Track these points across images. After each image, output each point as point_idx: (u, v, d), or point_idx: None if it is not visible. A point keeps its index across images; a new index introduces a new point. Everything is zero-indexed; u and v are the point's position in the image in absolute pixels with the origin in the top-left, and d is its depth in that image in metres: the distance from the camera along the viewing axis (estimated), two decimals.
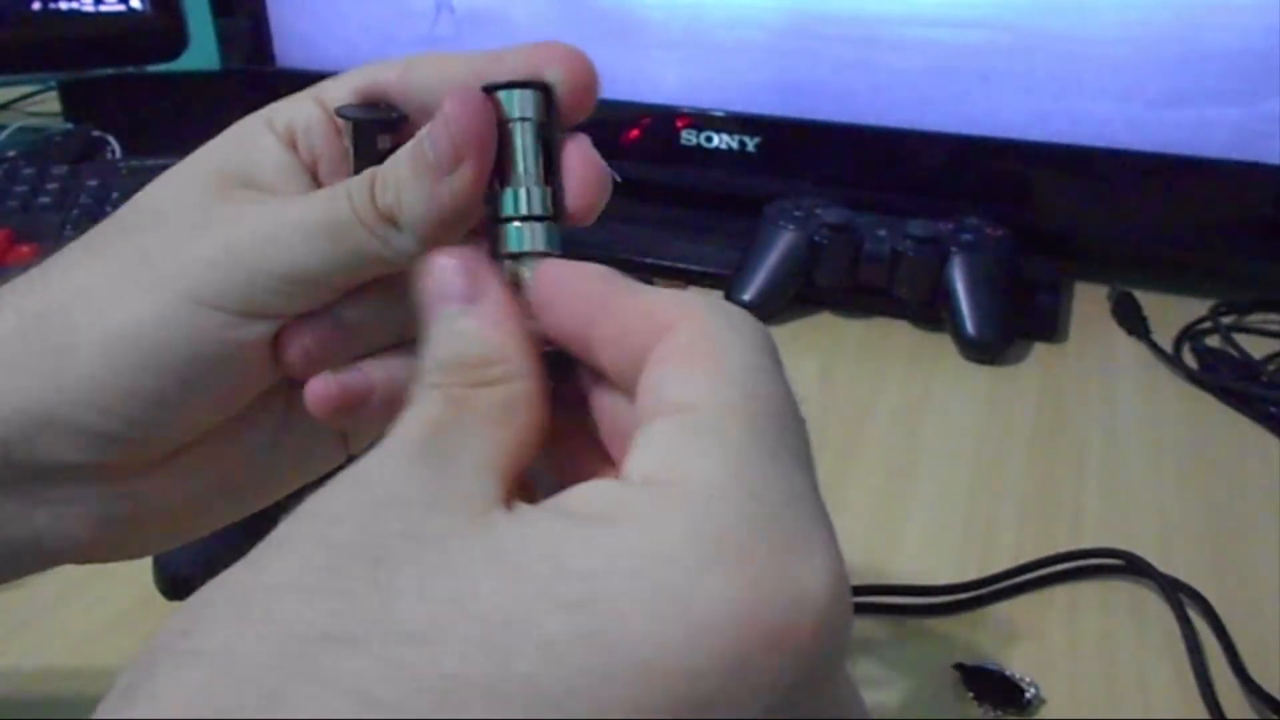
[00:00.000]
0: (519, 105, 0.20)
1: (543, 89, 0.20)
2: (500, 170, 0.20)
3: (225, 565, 0.42)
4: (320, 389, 0.24)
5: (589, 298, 0.19)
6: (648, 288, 0.19)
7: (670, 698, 0.14)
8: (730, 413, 0.17)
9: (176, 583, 0.38)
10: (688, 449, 0.16)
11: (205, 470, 0.26)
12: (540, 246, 0.20)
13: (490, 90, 0.20)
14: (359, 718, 0.13)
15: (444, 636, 0.14)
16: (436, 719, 0.13)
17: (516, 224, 0.20)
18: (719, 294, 0.61)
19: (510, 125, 0.20)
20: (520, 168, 0.20)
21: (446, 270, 0.19)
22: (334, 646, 0.14)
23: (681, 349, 0.18)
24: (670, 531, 0.15)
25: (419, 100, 0.25)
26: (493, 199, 0.21)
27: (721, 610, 0.14)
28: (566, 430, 0.21)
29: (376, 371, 0.25)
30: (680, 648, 0.14)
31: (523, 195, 0.20)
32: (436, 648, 0.14)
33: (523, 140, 0.20)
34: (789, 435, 0.18)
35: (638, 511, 0.15)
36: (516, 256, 0.20)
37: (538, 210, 0.20)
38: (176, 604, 0.38)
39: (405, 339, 0.25)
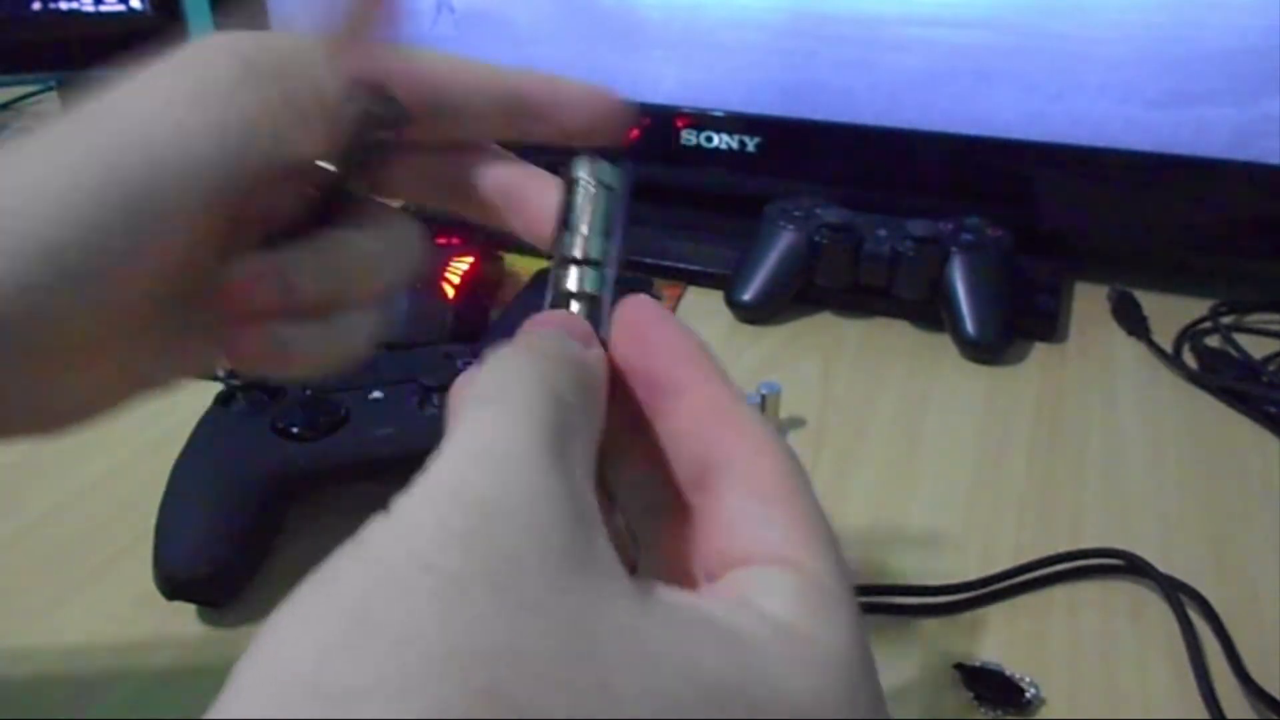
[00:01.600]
0: (610, 176, 0.21)
1: (629, 167, 0.21)
2: (567, 225, 0.21)
3: (226, 565, 0.42)
4: (246, 343, 0.25)
5: (687, 364, 0.21)
6: (737, 394, 0.21)
7: None
8: (839, 582, 0.19)
9: (175, 582, 0.38)
10: (820, 614, 0.18)
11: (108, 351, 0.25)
12: (591, 287, 0.21)
13: (589, 156, 0.21)
14: None
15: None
16: None
17: (574, 267, 0.21)
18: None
19: (596, 189, 0.21)
20: (595, 226, 0.21)
21: (575, 319, 0.21)
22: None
23: (774, 492, 0.20)
24: (828, 688, 0.17)
25: (423, 99, 0.25)
26: (561, 249, 0.22)
27: None
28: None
29: (298, 333, 0.25)
30: None
31: (580, 241, 0.21)
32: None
33: (608, 205, 0.21)
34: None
35: (799, 660, 0.17)
36: (576, 296, 0.21)
37: (596, 257, 0.21)
38: (176, 603, 0.39)
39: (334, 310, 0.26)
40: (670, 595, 0.17)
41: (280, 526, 0.42)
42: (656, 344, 0.21)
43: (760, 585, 0.18)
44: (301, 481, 0.42)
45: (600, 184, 0.21)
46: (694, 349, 0.21)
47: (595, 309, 0.20)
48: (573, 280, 0.20)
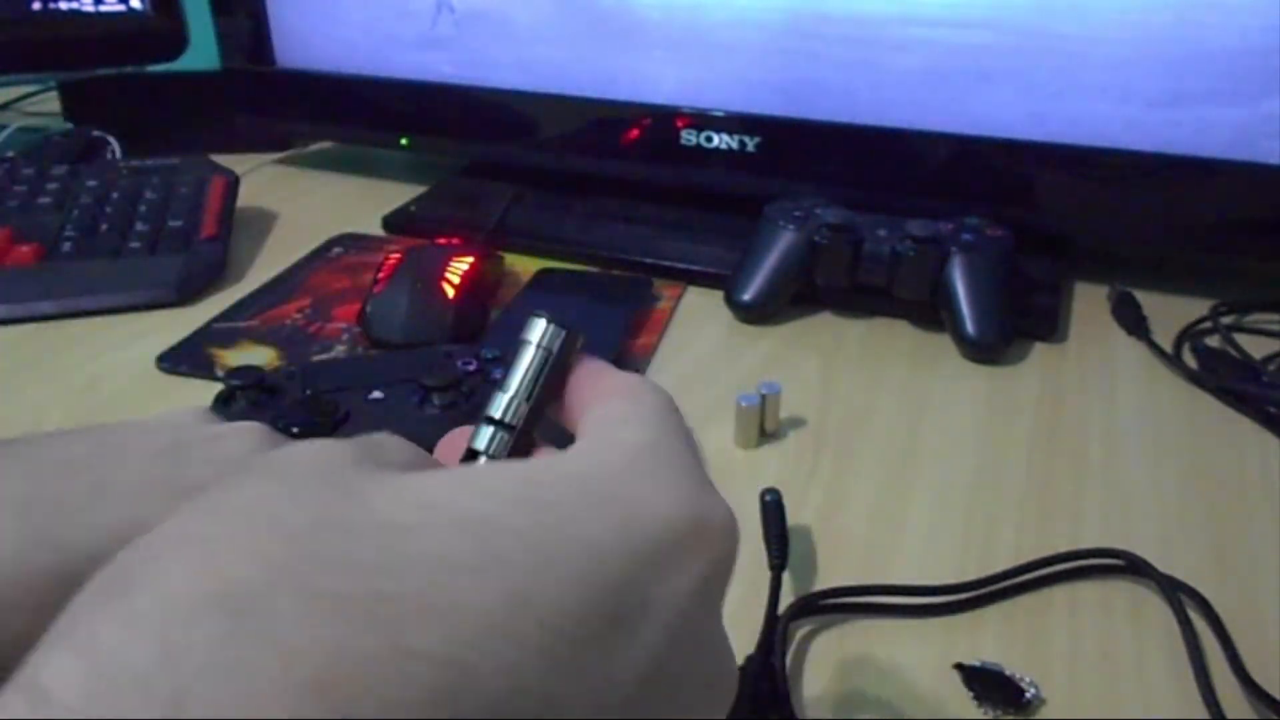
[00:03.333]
0: (553, 340, 0.24)
1: (571, 334, 0.24)
2: (500, 384, 0.24)
3: None
4: None
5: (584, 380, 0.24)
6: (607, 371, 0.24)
7: (615, 575, 0.17)
8: (650, 410, 0.21)
9: None
10: (619, 423, 0.21)
11: None
12: (494, 451, 0.23)
13: (544, 319, 0.24)
14: (366, 584, 0.15)
15: (425, 529, 0.16)
16: (433, 590, 0.15)
17: (489, 426, 0.23)
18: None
19: (534, 354, 0.24)
20: (517, 382, 0.23)
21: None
22: (331, 533, 0.15)
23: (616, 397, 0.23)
24: (614, 463, 0.19)
25: None
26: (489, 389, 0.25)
27: (649, 513, 0.18)
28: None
29: None
30: (621, 536, 0.17)
31: (506, 402, 0.23)
32: (422, 536, 0.16)
33: (530, 362, 0.24)
34: (685, 430, 0.22)
35: (587, 451, 0.20)
36: (476, 453, 0.23)
37: (511, 421, 0.23)
38: None
39: None
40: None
41: None
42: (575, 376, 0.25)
43: (581, 430, 0.21)
44: None
45: (540, 348, 0.23)
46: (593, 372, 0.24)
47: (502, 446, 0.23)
48: (482, 438, 0.23)
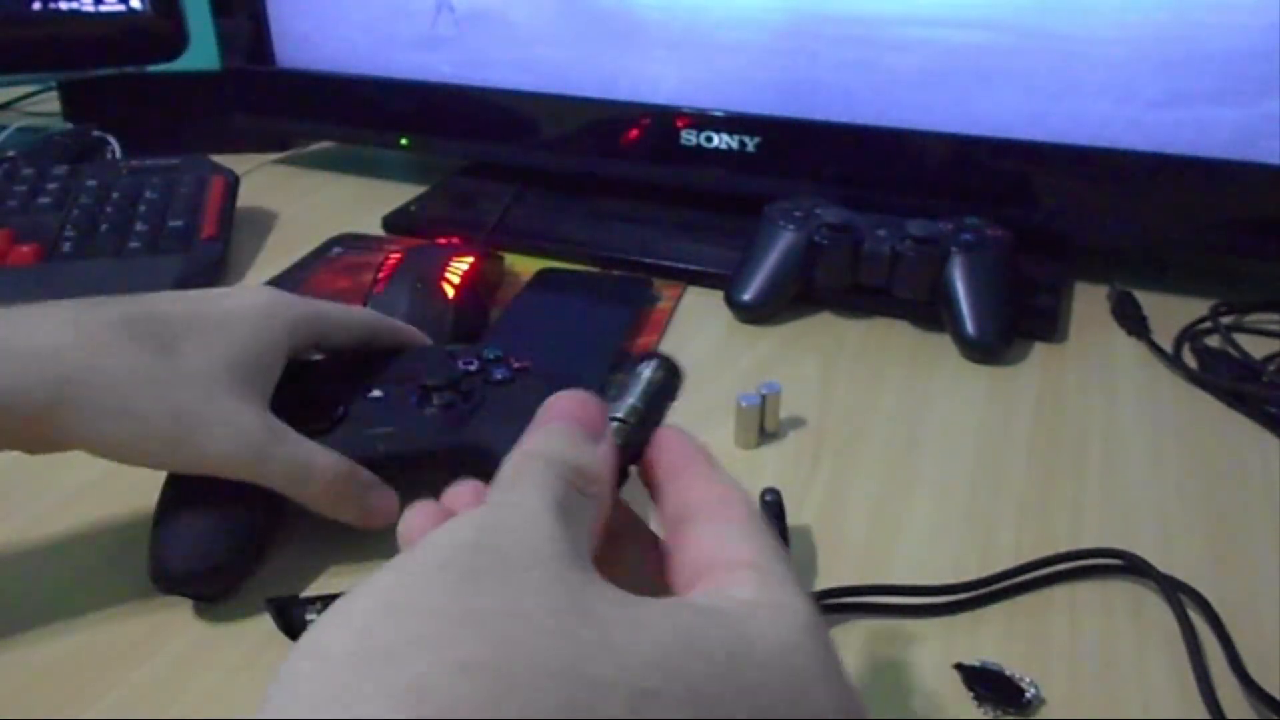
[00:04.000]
0: (659, 373, 0.30)
1: (673, 371, 0.30)
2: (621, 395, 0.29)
3: (223, 560, 0.43)
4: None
5: (683, 464, 0.28)
6: (715, 475, 0.27)
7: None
8: (787, 573, 0.23)
9: (172, 577, 0.38)
10: (777, 591, 0.22)
11: None
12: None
13: (655, 359, 0.30)
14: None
15: (663, 698, 0.18)
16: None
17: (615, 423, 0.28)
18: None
19: (648, 376, 0.30)
20: (637, 399, 0.29)
21: (591, 406, 0.27)
22: (586, 688, 0.17)
23: (732, 519, 0.25)
24: (798, 643, 0.21)
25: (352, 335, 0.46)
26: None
27: (829, 709, 0.21)
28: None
29: None
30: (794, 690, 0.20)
31: (627, 407, 0.29)
32: (663, 706, 0.18)
33: (650, 380, 0.30)
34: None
35: (772, 622, 0.21)
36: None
37: (631, 419, 0.28)
38: (173, 599, 0.38)
39: None
40: (653, 597, 0.21)
41: (278, 523, 0.42)
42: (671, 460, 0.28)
43: (727, 580, 0.23)
44: None
45: (647, 377, 0.30)
46: (691, 450, 0.28)
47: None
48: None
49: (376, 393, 0.44)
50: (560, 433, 0.26)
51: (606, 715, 0.17)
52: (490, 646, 0.17)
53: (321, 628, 0.19)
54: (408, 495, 0.29)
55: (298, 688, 0.17)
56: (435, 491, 0.27)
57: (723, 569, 0.23)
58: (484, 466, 0.27)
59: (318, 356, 0.45)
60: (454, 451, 0.42)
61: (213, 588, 0.39)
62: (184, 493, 0.40)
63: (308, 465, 0.39)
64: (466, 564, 0.20)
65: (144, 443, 0.36)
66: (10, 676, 0.36)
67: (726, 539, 0.24)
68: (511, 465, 0.25)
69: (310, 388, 0.44)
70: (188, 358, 0.38)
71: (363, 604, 0.19)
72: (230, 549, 0.39)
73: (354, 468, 0.40)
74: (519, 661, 0.17)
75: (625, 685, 0.18)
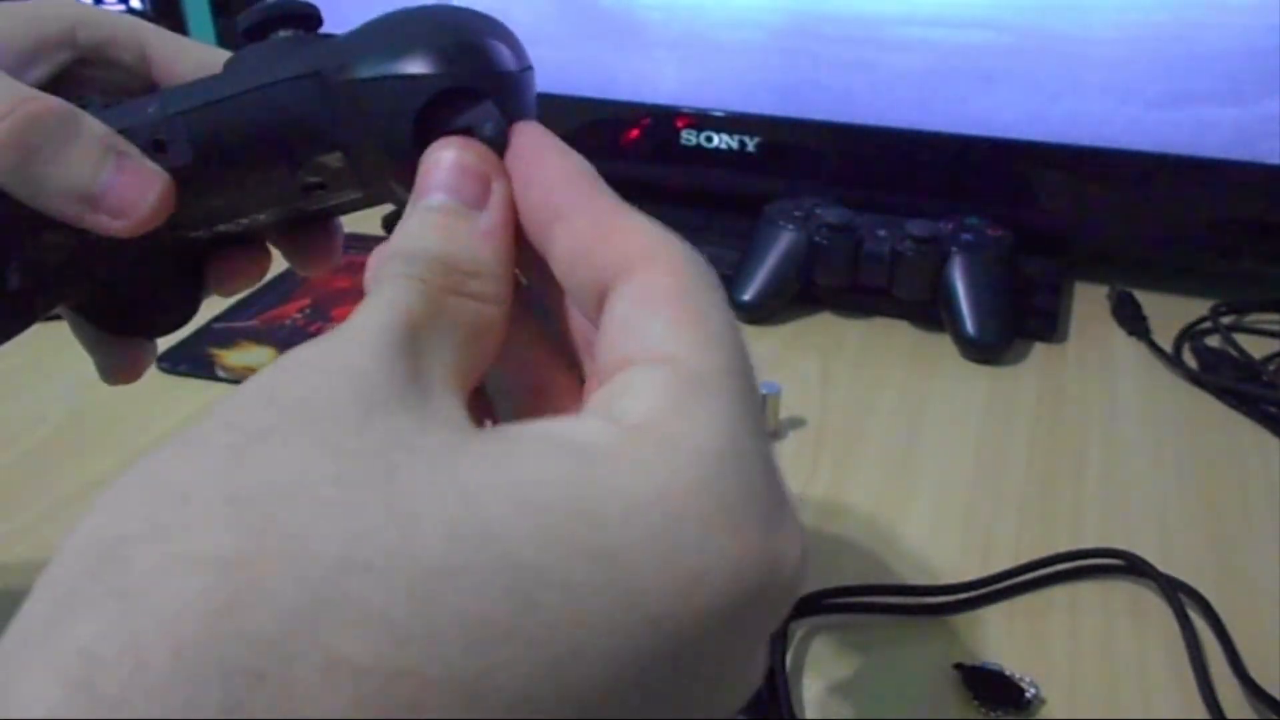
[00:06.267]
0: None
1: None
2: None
3: None
4: None
5: (566, 187, 0.20)
6: (623, 207, 0.20)
7: (670, 646, 0.15)
8: (721, 375, 0.17)
9: None
10: (685, 407, 0.17)
11: None
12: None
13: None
14: (389, 652, 0.13)
15: (469, 575, 0.14)
16: (464, 660, 0.13)
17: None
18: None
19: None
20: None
21: (470, 155, 0.20)
22: (357, 575, 0.13)
23: (662, 294, 0.18)
24: (680, 492, 0.15)
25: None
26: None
27: (719, 570, 0.15)
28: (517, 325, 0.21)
29: None
30: (683, 602, 0.15)
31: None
32: (463, 588, 0.14)
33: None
34: (757, 402, 0.18)
35: (648, 465, 0.16)
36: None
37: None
38: None
39: None
40: (508, 427, 0.17)
41: None
42: (538, 176, 0.21)
43: (625, 386, 0.17)
44: None
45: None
46: (573, 171, 0.21)
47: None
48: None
49: None
50: (426, 214, 0.20)
51: (374, 606, 0.13)
52: (237, 533, 0.14)
53: (98, 508, 0.15)
54: None
55: (52, 583, 0.14)
56: None
57: (634, 364, 0.18)
58: None
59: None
60: None
61: None
62: None
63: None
64: (252, 425, 0.15)
65: None
66: None
67: (644, 325, 0.18)
68: (368, 272, 0.20)
69: None
70: None
71: (131, 479, 0.15)
72: None
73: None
74: (271, 549, 0.13)
75: (406, 568, 0.14)
